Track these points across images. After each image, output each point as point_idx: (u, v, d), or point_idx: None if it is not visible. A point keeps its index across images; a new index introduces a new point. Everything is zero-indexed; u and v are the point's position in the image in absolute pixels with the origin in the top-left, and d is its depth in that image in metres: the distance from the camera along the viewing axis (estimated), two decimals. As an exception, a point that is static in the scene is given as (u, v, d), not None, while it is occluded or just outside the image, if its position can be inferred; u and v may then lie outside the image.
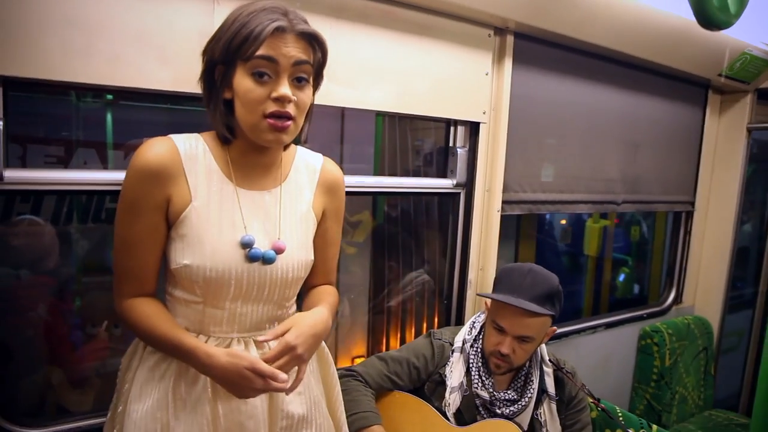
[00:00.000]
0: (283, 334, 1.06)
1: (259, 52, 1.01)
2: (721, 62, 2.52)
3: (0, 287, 1.67)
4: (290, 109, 1.04)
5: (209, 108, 1.11)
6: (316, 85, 1.15)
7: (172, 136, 1.11)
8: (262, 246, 1.12)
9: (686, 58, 2.43)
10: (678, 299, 2.98)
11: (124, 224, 1.09)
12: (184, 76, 1.35)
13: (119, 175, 1.32)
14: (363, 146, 2.48)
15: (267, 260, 1.12)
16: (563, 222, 3.86)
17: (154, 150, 1.07)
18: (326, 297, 1.27)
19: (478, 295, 1.97)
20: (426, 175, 2.25)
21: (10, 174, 1.23)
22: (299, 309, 1.31)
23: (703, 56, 2.45)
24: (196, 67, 1.35)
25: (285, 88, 1.03)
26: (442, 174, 1.98)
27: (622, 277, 4.05)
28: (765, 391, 1.49)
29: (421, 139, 2.31)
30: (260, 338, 1.11)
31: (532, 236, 3.30)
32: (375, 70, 1.66)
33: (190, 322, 1.14)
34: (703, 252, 3.03)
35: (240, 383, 1.01)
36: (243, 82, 1.03)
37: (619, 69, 2.35)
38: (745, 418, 2.87)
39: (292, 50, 1.03)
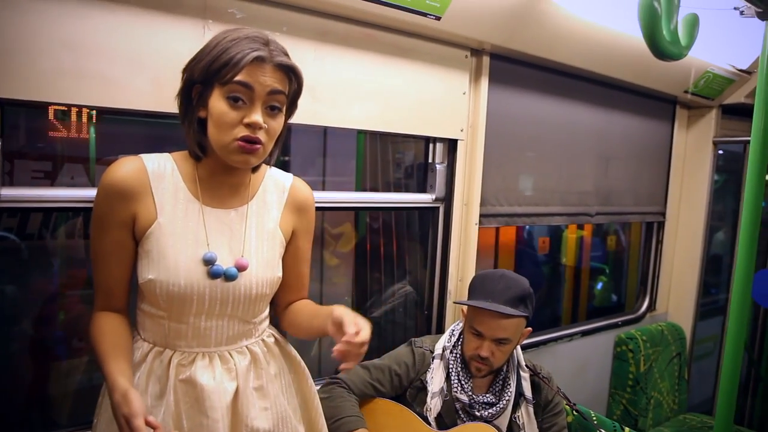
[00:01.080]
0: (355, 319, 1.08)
1: (237, 78, 1.05)
2: (687, 80, 2.65)
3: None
4: (260, 135, 1.09)
5: (183, 124, 1.16)
6: (289, 113, 1.19)
7: (142, 155, 1.16)
8: (225, 263, 1.15)
9: (653, 77, 2.55)
10: (652, 306, 3.09)
11: (94, 239, 1.14)
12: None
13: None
14: (345, 160, 2.55)
15: (228, 277, 1.15)
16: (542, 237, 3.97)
17: (122, 169, 1.11)
18: (317, 304, 1.33)
19: (454, 303, 2.04)
20: (407, 187, 2.32)
21: (6, 192, 1.27)
22: (275, 326, 1.36)
23: (669, 75, 2.58)
24: (187, 89, 1.42)
25: (257, 116, 1.07)
26: (422, 189, 2.07)
27: (599, 286, 4.16)
28: (727, 392, 1.58)
29: (401, 152, 2.40)
30: (350, 329, 1.06)
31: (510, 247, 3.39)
32: (357, 90, 1.74)
33: (155, 336, 1.17)
34: (675, 260, 3.15)
35: (117, 422, 0.99)
36: (218, 104, 1.07)
37: (590, 87, 2.46)
38: (718, 421, 2.97)
39: (269, 80, 1.08)
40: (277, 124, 1.14)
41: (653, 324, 3.02)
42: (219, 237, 1.17)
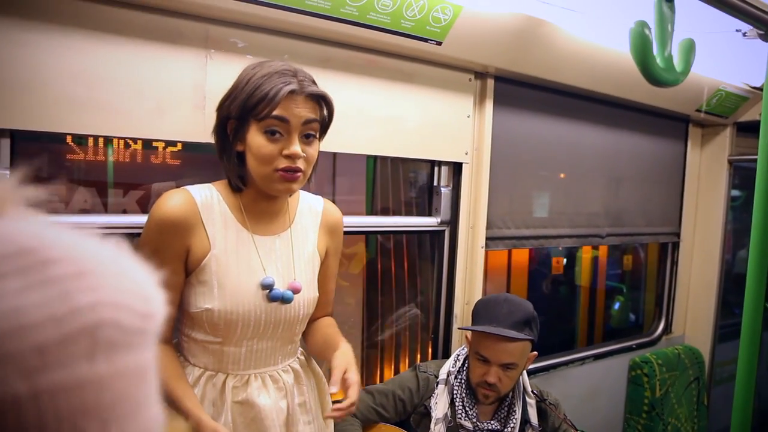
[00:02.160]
0: (344, 375, 1.14)
1: (274, 113, 1.10)
2: (699, 99, 2.61)
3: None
4: (300, 164, 1.13)
5: (222, 159, 1.20)
6: (321, 137, 1.25)
7: (187, 187, 1.19)
8: (279, 287, 1.21)
9: (664, 97, 2.52)
10: (668, 329, 3.02)
11: None
12: (179, 126, 1.44)
13: (132, 219, 1.41)
14: (355, 179, 2.56)
15: (286, 300, 1.21)
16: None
17: (174, 201, 1.15)
18: (336, 329, 1.37)
19: (459, 329, 2.02)
20: (419, 207, 2.31)
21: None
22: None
23: (680, 94, 2.54)
24: (190, 117, 1.46)
25: (296, 147, 1.12)
26: (428, 212, 2.06)
27: (616, 306, 4.08)
28: (740, 419, 1.53)
29: (414, 171, 2.39)
30: (332, 390, 1.14)
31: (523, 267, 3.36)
32: (360, 115, 1.75)
33: (207, 361, 1.21)
34: (692, 281, 3.08)
35: None
36: (256, 138, 1.12)
37: (598, 107, 2.44)
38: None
39: (303, 111, 1.13)
40: (314, 150, 1.18)
41: (669, 347, 2.95)
42: (269, 263, 1.22)
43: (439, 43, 1.73)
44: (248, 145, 1.14)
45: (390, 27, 1.61)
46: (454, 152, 1.99)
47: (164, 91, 1.41)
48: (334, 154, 2.43)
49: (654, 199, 2.82)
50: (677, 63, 1.27)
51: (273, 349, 1.24)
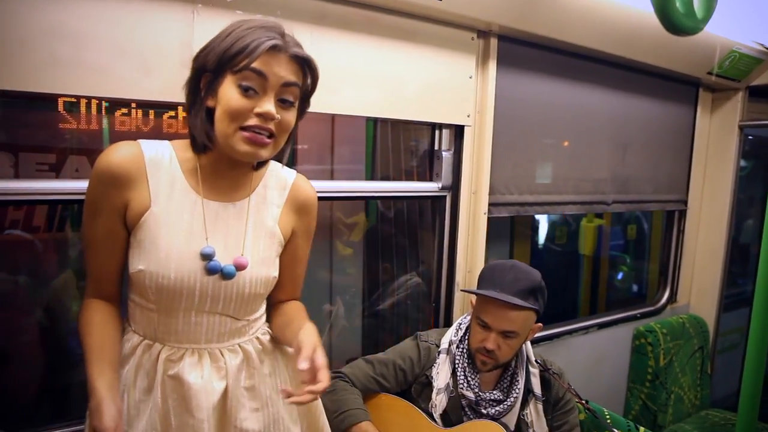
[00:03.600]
0: (312, 354, 1.05)
1: (252, 65, 1.01)
2: (711, 61, 2.52)
3: None
4: (272, 126, 1.04)
5: (190, 114, 1.11)
6: (301, 110, 1.14)
7: (140, 141, 1.11)
8: (221, 259, 1.11)
9: (675, 58, 2.43)
10: (672, 298, 2.98)
11: (85, 224, 1.10)
12: (166, 85, 1.37)
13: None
14: (355, 147, 2.49)
15: (226, 275, 1.11)
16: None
17: (119, 153, 1.07)
18: (303, 314, 1.28)
19: (461, 291, 1.97)
20: (421, 176, 2.24)
21: (-1, 185, 1.25)
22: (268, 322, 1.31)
23: (691, 55, 2.45)
24: (178, 76, 1.37)
25: (270, 105, 1.03)
26: (428, 177, 2.00)
27: (620, 276, 4.05)
28: (751, 387, 1.49)
29: (416, 139, 2.32)
30: (302, 366, 1.03)
31: (526, 236, 3.31)
32: (357, 75, 1.67)
33: (145, 328, 1.14)
34: (698, 250, 3.03)
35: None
36: (228, 91, 1.03)
37: (606, 69, 2.35)
38: (743, 417, 2.86)
39: (284, 71, 1.04)
40: (290, 117, 1.08)
41: (674, 316, 2.91)
42: (216, 231, 1.12)
43: (440, -2, 1.64)
44: (219, 99, 1.04)
45: (388, -21, 1.52)
46: (456, 114, 1.92)
47: (150, 48, 1.34)
48: (333, 118, 2.37)
49: (661, 166, 2.74)
50: (698, 8, 1.18)
51: (214, 325, 1.14)
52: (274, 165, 1.24)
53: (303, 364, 1.02)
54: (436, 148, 1.96)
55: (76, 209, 1.90)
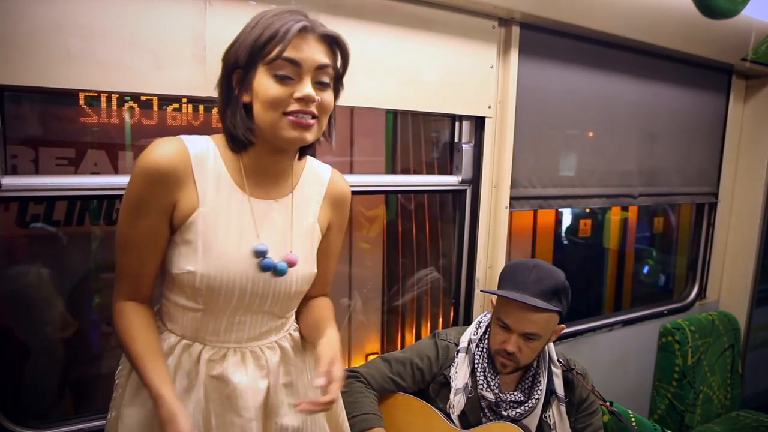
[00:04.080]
0: (329, 368, 1.04)
1: (285, 54, 0.99)
2: (746, 46, 2.40)
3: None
4: (313, 108, 1.02)
5: (226, 113, 1.07)
6: (336, 91, 1.11)
7: (182, 137, 1.08)
8: (273, 257, 1.10)
9: (706, 44, 2.32)
10: (701, 294, 2.88)
11: (126, 224, 1.06)
12: (179, 79, 1.35)
13: (121, 180, 1.32)
14: (374, 139, 2.44)
15: (279, 272, 1.10)
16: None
17: (164, 150, 1.03)
18: (330, 313, 1.26)
19: (482, 291, 1.92)
20: (440, 168, 2.19)
21: (8, 181, 1.24)
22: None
23: (724, 40, 2.34)
24: (190, 70, 1.36)
25: (309, 88, 1.01)
26: (448, 170, 1.94)
27: (645, 270, 3.94)
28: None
29: (437, 131, 2.27)
30: (318, 382, 1.02)
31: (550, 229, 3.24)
32: (375, 66, 1.63)
33: (184, 329, 1.12)
34: (728, 244, 2.92)
35: None
36: (264, 82, 1.01)
37: (633, 57, 2.26)
38: (776, 419, 2.76)
39: (316, 53, 1.02)
40: (329, 98, 1.06)
41: (703, 313, 2.81)
42: (264, 229, 1.11)
43: (460, -16, 1.57)
44: (255, 92, 1.02)
45: (405, -35, 1.47)
46: (476, 106, 1.85)
47: (162, 42, 1.32)
48: (351, 111, 2.33)
49: (691, 157, 2.64)
50: (737, -10, 1.09)
51: (257, 323, 1.14)
52: (310, 161, 1.23)
53: (319, 381, 1.02)
54: (456, 140, 1.90)
55: (95, 204, 1.91)
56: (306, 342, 1.26)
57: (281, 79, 1.00)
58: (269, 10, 1.04)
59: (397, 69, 1.67)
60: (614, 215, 3.63)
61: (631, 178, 2.39)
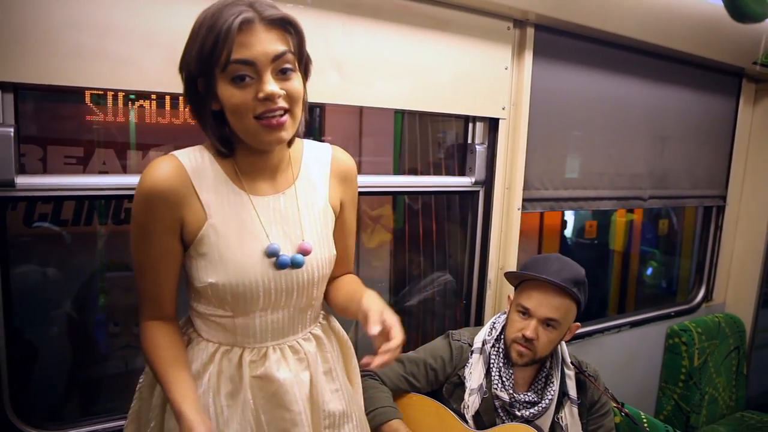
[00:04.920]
0: (381, 316, 1.03)
1: (234, 57, 0.94)
2: (756, 49, 2.40)
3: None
4: (282, 102, 0.98)
5: (200, 123, 1.06)
6: (305, 72, 1.07)
7: (175, 152, 1.06)
8: (287, 251, 1.09)
9: (718, 47, 2.32)
10: (708, 296, 2.88)
11: (137, 249, 1.06)
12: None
13: (132, 179, 1.31)
14: (383, 139, 2.44)
15: (296, 265, 1.10)
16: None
17: (160, 172, 1.02)
18: (359, 285, 1.25)
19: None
20: (449, 169, 2.18)
21: (22, 180, 1.23)
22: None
23: (735, 44, 2.34)
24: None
25: (270, 86, 0.96)
26: (461, 171, 1.94)
27: (649, 272, 3.94)
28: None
29: (444, 131, 2.26)
30: (374, 330, 1.00)
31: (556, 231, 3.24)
32: (389, 66, 1.62)
33: (219, 336, 1.12)
34: (735, 248, 2.92)
35: None
36: (225, 90, 0.97)
37: (645, 59, 2.26)
38: (781, 420, 2.77)
39: (267, 44, 0.96)
40: (296, 84, 1.01)
41: (709, 315, 2.81)
42: (273, 226, 1.10)
43: (477, -15, 1.57)
44: (222, 101, 0.99)
45: (424, -34, 1.46)
46: (490, 107, 1.85)
47: (176, 39, 1.28)
48: (361, 110, 2.32)
49: (700, 160, 2.64)
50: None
51: (290, 318, 1.14)
52: (308, 143, 1.22)
53: (375, 329, 0.99)
54: (470, 141, 1.90)
55: (103, 204, 1.90)
56: (334, 323, 1.28)
57: (240, 81, 0.96)
58: (210, 6, 0.98)
59: (412, 69, 1.66)
60: (620, 217, 3.63)
61: (641, 181, 2.39)
